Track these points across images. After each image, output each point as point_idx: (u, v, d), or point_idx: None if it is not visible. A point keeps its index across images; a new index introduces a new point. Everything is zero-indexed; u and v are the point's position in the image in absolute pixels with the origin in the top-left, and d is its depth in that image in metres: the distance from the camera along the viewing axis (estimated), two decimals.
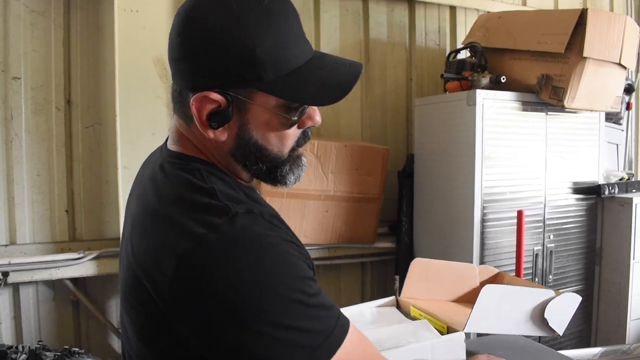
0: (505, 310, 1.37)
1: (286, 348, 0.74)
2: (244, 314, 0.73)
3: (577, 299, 1.47)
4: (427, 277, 1.57)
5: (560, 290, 1.48)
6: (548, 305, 1.41)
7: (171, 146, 0.95)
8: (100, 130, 2.87)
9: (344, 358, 0.77)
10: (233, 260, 0.74)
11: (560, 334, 1.44)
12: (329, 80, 0.87)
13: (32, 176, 2.74)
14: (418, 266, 1.55)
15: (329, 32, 3.35)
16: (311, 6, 3.31)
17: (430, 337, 1.23)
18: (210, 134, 0.86)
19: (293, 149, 0.93)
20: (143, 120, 2.65)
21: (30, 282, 2.71)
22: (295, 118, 0.88)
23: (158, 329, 0.82)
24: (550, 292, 1.45)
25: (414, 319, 1.46)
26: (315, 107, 0.91)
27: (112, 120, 2.80)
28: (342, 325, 0.80)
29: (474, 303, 1.37)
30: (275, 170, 0.93)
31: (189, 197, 0.82)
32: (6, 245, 2.70)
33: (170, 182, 0.88)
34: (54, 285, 2.79)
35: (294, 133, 0.91)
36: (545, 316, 1.40)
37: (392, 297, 1.65)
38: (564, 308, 1.43)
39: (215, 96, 0.83)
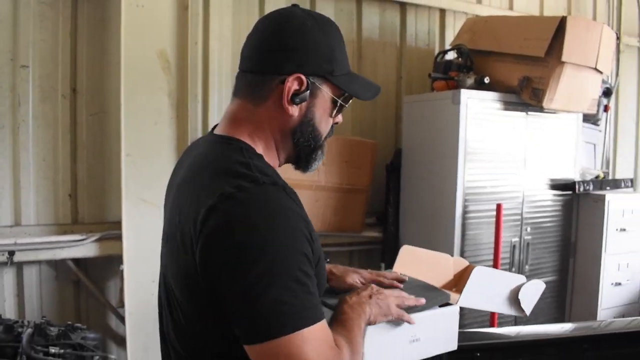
0: (489, 291, 1.55)
1: (275, 298, 0.88)
2: (252, 256, 0.88)
3: (542, 286, 1.64)
4: (414, 263, 1.68)
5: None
6: (520, 289, 1.59)
7: (222, 131, 1.12)
8: (104, 119, 3.00)
9: (308, 337, 0.89)
10: (251, 214, 0.90)
11: (527, 315, 1.62)
12: (366, 84, 1.18)
13: (38, 161, 2.87)
14: (406, 252, 1.69)
15: None
16: (307, 5, 3.45)
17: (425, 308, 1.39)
18: (290, 109, 1.06)
19: (325, 138, 1.16)
20: (146, 110, 2.77)
21: (33, 262, 2.84)
22: (339, 111, 1.14)
23: (194, 284, 0.97)
24: (522, 278, 1.63)
25: None
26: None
27: (115, 109, 2.93)
28: (317, 312, 0.93)
29: (451, 289, 1.54)
30: (313, 152, 1.15)
31: (229, 167, 0.99)
32: (11, 226, 2.82)
33: (215, 156, 1.06)
34: (56, 265, 2.92)
35: (330, 124, 1.16)
36: (518, 298, 1.58)
37: None
38: (531, 293, 1.61)
39: (303, 78, 1.05)
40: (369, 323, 1.14)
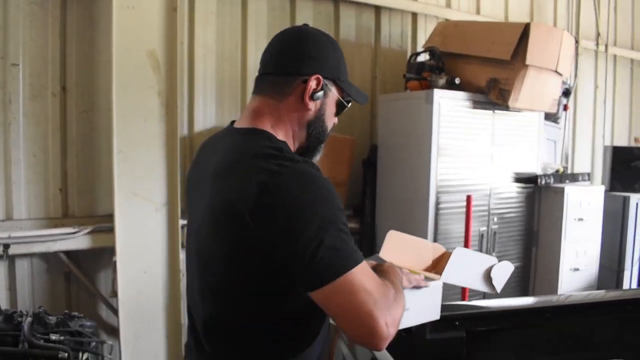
0: (467, 269, 1.75)
1: (330, 246, 1.07)
2: (306, 218, 1.07)
3: (511, 267, 1.85)
4: (398, 247, 1.85)
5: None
6: (492, 269, 1.80)
7: (246, 124, 1.29)
8: (93, 116, 3.10)
9: (361, 272, 1.10)
10: (297, 186, 1.09)
11: (498, 292, 1.82)
12: (360, 92, 1.41)
13: (29, 157, 2.96)
14: (392, 237, 1.86)
15: None
16: (287, 7, 3.63)
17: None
18: (309, 104, 1.28)
19: (327, 135, 1.38)
20: (137, 108, 2.88)
21: (25, 255, 2.93)
22: (339, 112, 1.37)
23: (246, 248, 1.12)
24: (494, 259, 1.84)
25: None
26: None
27: (104, 107, 3.05)
28: (360, 254, 1.14)
29: (431, 271, 1.73)
30: (319, 144, 1.36)
31: (265, 152, 1.16)
32: (3, 221, 2.91)
33: (249, 143, 1.22)
34: (48, 258, 3.01)
35: (332, 122, 1.38)
36: (491, 276, 1.78)
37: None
38: (501, 272, 1.82)
39: (321, 79, 1.28)
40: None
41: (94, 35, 3.07)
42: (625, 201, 4.43)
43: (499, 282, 1.79)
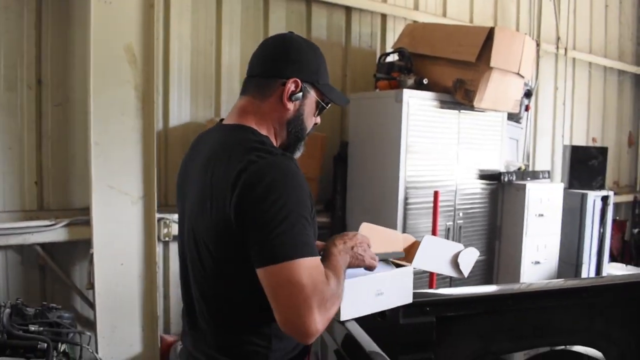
0: (436, 255, 1.87)
1: (285, 232, 1.17)
2: (272, 202, 1.18)
3: (476, 253, 1.99)
4: (372, 238, 1.94)
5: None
6: (459, 255, 1.93)
7: (233, 121, 1.42)
8: (68, 109, 3.12)
9: (305, 265, 1.16)
10: (270, 174, 1.21)
11: (466, 276, 1.96)
12: (340, 94, 1.54)
13: (4, 149, 2.96)
14: (365, 228, 1.95)
15: (276, 30, 3.74)
16: (261, 7, 3.71)
17: (387, 269, 1.69)
18: (287, 104, 1.39)
19: (308, 133, 1.49)
20: (113, 101, 2.91)
21: (0, 248, 2.93)
22: (319, 113, 1.49)
23: (226, 230, 1.24)
24: (461, 246, 1.97)
25: None
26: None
27: (80, 100, 3.08)
28: (314, 249, 1.22)
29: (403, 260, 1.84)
30: (299, 141, 1.48)
31: (248, 144, 1.28)
32: None
33: (235, 137, 1.35)
34: (23, 250, 3.02)
35: (312, 122, 1.49)
36: (458, 261, 1.91)
37: None
38: (468, 258, 1.95)
39: (299, 82, 1.38)
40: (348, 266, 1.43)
41: (70, 28, 3.09)
42: (583, 198, 4.66)
43: (466, 267, 1.92)
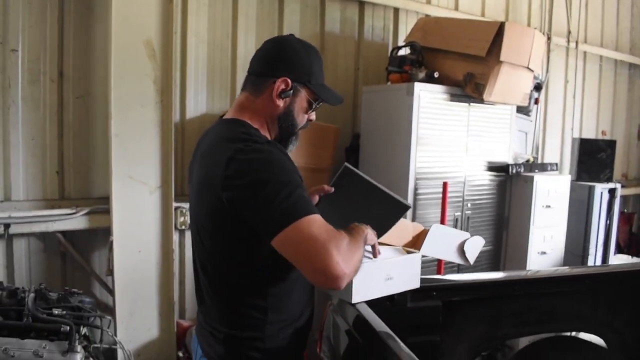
0: (443, 243, 1.96)
1: (283, 200, 1.28)
2: (262, 182, 1.30)
3: (482, 241, 2.08)
4: None
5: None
6: (465, 243, 2.01)
7: (230, 115, 1.56)
8: (89, 101, 3.22)
9: (312, 220, 1.28)
10: (257, 159, 1.34)
11: (471, 264, 2.04)
12: (334, 94, 1.62)
13: (27, 140, 3.07)
14: None
15: (290, 24, 3.84)
16: (276, 0, 3.78)
17: (398, 254, 1.78)
18: (276, 101, 1.51)
19: (300, 128, 1.60)
20: (133, 94, 3.02)
21: (23, 235, 3.05)
22: (311, 110, 1.59)
23: (219, 213, 1.38)
24: (467, 235, 2.05)
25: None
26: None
27: (100, 92, 3.18)
28: (314, 208, 1.33)
29: (411, 247, 1.93)
30: (292, 135, 1.59)
31: (238, 136, 1.42)
32: (2, 201, 3.02)
33: (227, 130, 1.49)
34: (45, 238, 3.14)
35: (305, 118, 1.60)
36: (464, 249, 2.00)
37: None
38: (473, 246, 2.04)
39: (288, 81, 1.50)
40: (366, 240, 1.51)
41: (91, 23, 3.18)
42: (591, 190, 4.72)
43: (472, 255, 2.01)
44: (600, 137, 6.13)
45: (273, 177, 1.31)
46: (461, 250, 1.99)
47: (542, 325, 2.52)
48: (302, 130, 1.62)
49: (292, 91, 1.51)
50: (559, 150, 5.78)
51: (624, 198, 6.37)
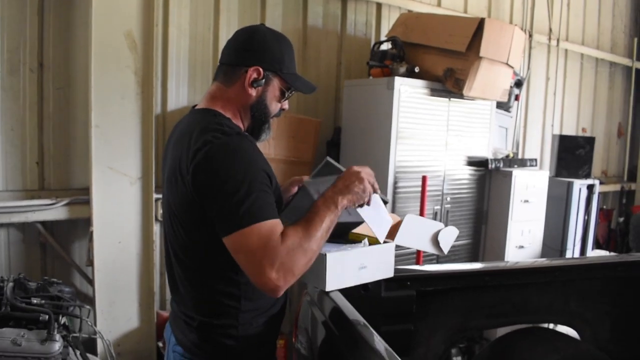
0: (417, 233, 1.99)
1: (237, 203, 1.32)
2: (224, 178, 1.33)
3: (456, 231, 2.11)
4: None
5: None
6: (439, 233, 2.05)
7: (202, 106, 1.58)
8: (69, 92, 3.21)
9: (257, 230, 1.30)
10: (223, 151, 1.36)
11: (445, 253, 2.08)
12: (306, 83, 1.64)
13: (6, 130, 3.06)
14: None
15: (272, 18, 3.85)
16: None
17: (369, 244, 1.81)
18: (249, 90, 1.53)
19: (273, 117, 1.62)
20: (114, 85, 3.02)
21: (2, 225, 3.04)
22: (284, 98, 1.61)
23: (190, 203, 1.41)
24: (441, 225, 2.09)
25: (353, 240, 2.00)
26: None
27: (81, 84, 3.18)
28: (269, 212, 1.34)
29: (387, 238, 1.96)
30: (264, 124, 1.61)
31: (208, 126, 1.43)
32: None
33: (199, 120, 1.50)
34: (24, 228, 3.13)
35: (278, 107, 1.62)
36: (438, 239, 2.04)
37: None
38: (447, 236, 2.08)
39: (260, 71, 1.52)
40: (345, 207, 1.49)
41: (72, 13, 3.17)
42: (569, 186, 4.80)
43: (446, 245, 2.05)
44: (581, 134, 6.22)
45: (235, 174, 1.34)
46: (435, 240, 2.02)
47: (516, 316, 2.57)
48: (275, 119, 1.65)
49: (264, 80, 1.53)
50: (539, 146, 5.86)
51: (604, 195, 6.48)
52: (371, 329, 1.60)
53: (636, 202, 6.72)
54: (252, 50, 1.54)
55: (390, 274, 1.81)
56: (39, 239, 3.18)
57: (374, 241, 1.83)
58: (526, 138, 5.68)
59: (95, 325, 3.02)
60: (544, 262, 3.19)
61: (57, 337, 2.42)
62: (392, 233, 1.97)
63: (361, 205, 1.56)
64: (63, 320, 2.68)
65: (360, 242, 1.79)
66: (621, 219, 6.35)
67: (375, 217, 1.63)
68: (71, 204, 3.12)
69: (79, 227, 3.25)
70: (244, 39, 1.57)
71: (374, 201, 1.61)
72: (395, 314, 2.04)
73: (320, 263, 1.59)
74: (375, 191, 1.58)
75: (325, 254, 1.60)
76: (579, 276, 2.61)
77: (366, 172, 1.55)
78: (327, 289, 1.66)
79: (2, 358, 2.34)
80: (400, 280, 2.00)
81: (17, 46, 3.05)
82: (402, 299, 2.03)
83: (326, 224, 1.42)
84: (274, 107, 1.60)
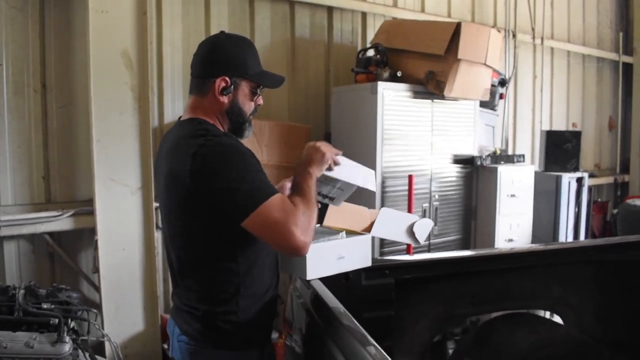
0: (393, 225, 2.15)
1: (246, 189, 1.49)
2: (225, 172, 1.50)
3: (431, 223, 2.26)
4: (340, 213, 2.22)
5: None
6: (414, 225, 2.21)
7: (186, 115, 1.74)
8: (71, 110, 3.41)
9: (271, 203, 1.49)
10: (217, 152, 1.53)
11: (421, 243, 2.23)
12: (273, 77, 1.78)
13: (14, 148, 3.25)
14: (334, 207, 2.22)
15: (261, 31, 4.04)
16: (247, 9, 4.00)
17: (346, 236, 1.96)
18: (220, 98, 1.67)
19: (250, 114, 1.77)
20: (112, 102, 3.20)
21: (13, 237, 3.23)
22: (255, 96, 1.75)
23: (188, 204, 1.57)
24: (416, 217, 2.25)
25: (331, 232, 2.15)
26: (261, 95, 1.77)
27: (82, 102, 3.36)
28: (273, 189, 1.53)
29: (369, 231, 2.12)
30: (243, 123, 1.76)
31: (196, 133, 1.59)
32: None
33: (187, 128, 1.66)
34: (33, 239, 3.32)
35: (252, 105, 1.76)
36: (413, 230, 2.19)
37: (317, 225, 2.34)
38: (423, 228, 2.23)
39: (227, 79, 1.66)
40: (316, 175, 1.69)
41: (71, 36, 3.37)
42: (558, 180, 4.94)
43: (421, 235, 2.20)
44: (571, 129, 6.36)
45: (235, 166, 1.51)
46: (410, 232, 2.17)
47: (500, 303, 2.70)
48: (252, 116, 1.79)
49: (232, 86, 1.67)
50: (529, 142, 6.00)
51: (598, 187, 6.62)
52: (349, 314, 1.75)
53: (630, 194, 6.83)
54: (215, 62, 1.67)
55: (367, 263, 1.96)
56: (47, 249, 3.36)
57: (351, 233, 2.00)
58: (516, 135, 5.83)
59: (102, 329, 3.19)
60: (522, 247, 3.32)
61: (67, 339, 2.57)
62: (368, 226, 2.14)
63: (330, 169, 1.76)
64: (72, 324, 2.85)
65: (338, 234, 1.95)
66: (615, 211, 6.46)
67: (350, 172, 1.87)
68: (76, 214, 3.30)
69: (84, 237, 3.43)
70: (205, 52, 1.71)
71: (343, 163, 1.83)
72: (376, 301, 2.19)
73: None
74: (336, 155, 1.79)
75: None
76: (558, 260, 2.72)
77: (321, 143, 1.77)
78: (308, 277, 1.81)
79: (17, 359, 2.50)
80: (379, 269, 2.16)
81: (21, 69, 3.25)
82: (381, 287, 2.19)
83: (311, 189, 1.64)
84: (248, 106, 1.74)
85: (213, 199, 1.54)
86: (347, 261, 1.91)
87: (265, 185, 1.53)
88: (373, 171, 1.97)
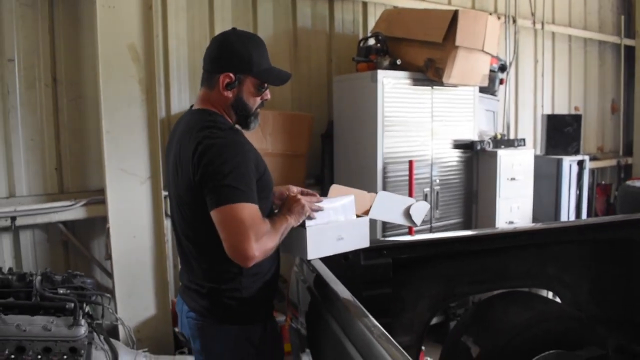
0: (390, 208, 2.24)
1: (230, 184, 1.60)
2: (218, 164, 1.61)
3: (427, 205, 2.36)
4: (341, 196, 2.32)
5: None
6: (411, 207, 2.30)
7: (196, 106, 1.85)
8: (81, 103, 3.53)
9: (246, 208, 1.59)
10: (219, 143, 1.65)
11: (418, 225, 2.32)
12: (279, 74, 1.88)
13: (27, 141, 3.38)
14: (335, 189, 2.31)
15: (264, 22, 4.13)
16: (249, 1, 4.08)
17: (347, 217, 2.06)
18: (225, 93, 1.78)
19: (256, 109, 1.88)
20: (121, 94, 3.31)
21: (29, 227, 3.36)
22: (261, 92, 1.84)
23: (194, 188, 1.68)
24: (412, 200, 2.34)
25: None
26: (269, 89, 1.87)
27: (91, 94, 3.48)
28: (254, 198, 1.64)
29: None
30: (248, 117, 1.86)
31: (205, 124, 1.71)
32: (7, 198, 3.33)
33: (196, 118, 1.78)
34: (47, 228, 3.45)
35: (258, 100, 1.86)
36: (410, 213, 2.29)
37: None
38: (419, 210, 2.32)
39: (231, 76, 1.76)
40: (292, 224, 1.80)
41: (80, 31, 3.48)
42: (559, 163, 5.00)
43: (418, 218, 2.30)
44: (574, 112, 6.40)
45: (227, 160, 1.62)
46: (407, 214, 2.27)
47: (497, 282, 2.80)
48: (259, 109, 1.89)
49: (236, 82, 1.77)
50: (532, 126, 6.05)
51: (601, 170, 6.68)
52: (348, 292, 1.86)
53: (634, 176, 6.87)
54: (221, 58, 1.77)
55: (366, 244, 2.07)
56: (61, 238, 3.49)
57: None
58: (518, 119, 5.89)
59: (116, 313, 3.33)
60: (518, 227, 3.40)
61: (83, 322, 2.70)
62: (368, 209, 2.24)
63: (310, 218, 1.87)
64: (87, 308, 2.98)
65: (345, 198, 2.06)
66: (616, 193, 6.52)
67: (328, 213, 1.97)
68: (88, 204, 3.43)
69: (96, 225, 3.56)
70: (213, 48, 1.81)
71: (326, 205, 1.97)
72: (374, 280, 2.29)
73: (301, 235, 1.86)
74: (314, 210, 1.90)
75: (305, 227, 1.87)
76: (553, 239, 2.81)
77: (302, 196, 1.90)
78: (308, 257, 1.92)
79: (35, 342, 2.62)
80: (377, 249, 2.26)
81: (32, 64, 3.36)
82: (379, 267, 2.29)
83: (283, 229, 1.76)
84: (253, 102, 1.83)
85: (203, 181, 1.64)
86: (346, 242, 2.01)
87: (249, 190, 1.63)
88: (352, 196, 2.10)
